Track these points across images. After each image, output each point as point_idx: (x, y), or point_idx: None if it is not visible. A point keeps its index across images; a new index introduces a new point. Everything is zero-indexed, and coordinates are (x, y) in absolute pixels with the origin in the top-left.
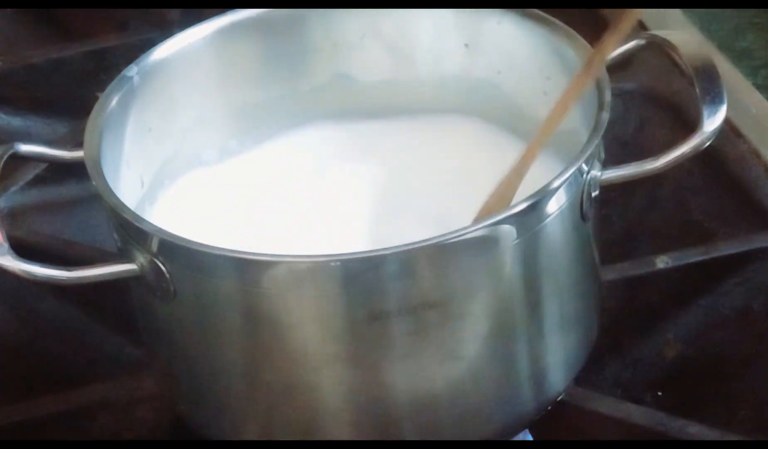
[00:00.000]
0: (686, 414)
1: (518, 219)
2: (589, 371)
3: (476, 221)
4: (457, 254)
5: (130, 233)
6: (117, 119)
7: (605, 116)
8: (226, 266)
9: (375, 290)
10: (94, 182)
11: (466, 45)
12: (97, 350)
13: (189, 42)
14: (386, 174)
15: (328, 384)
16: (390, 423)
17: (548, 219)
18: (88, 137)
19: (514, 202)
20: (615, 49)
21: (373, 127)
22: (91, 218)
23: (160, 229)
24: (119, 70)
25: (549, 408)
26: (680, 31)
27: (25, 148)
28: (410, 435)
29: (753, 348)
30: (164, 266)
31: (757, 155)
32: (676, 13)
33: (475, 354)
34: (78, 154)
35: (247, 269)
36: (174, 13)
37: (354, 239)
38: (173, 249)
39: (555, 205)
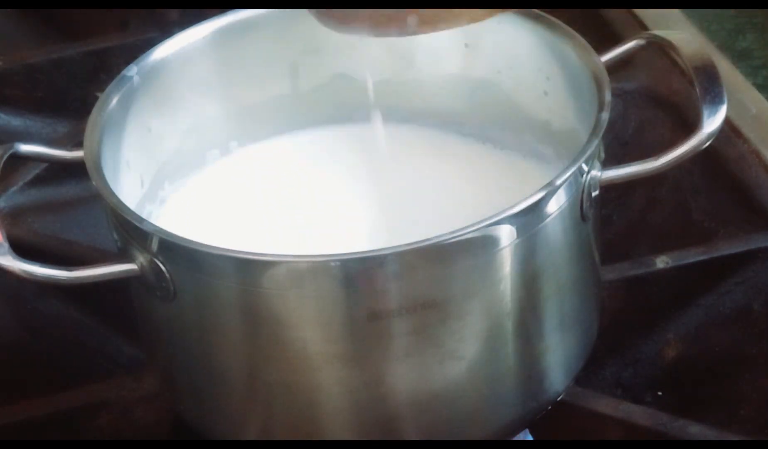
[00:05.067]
0: (686, 414)
1: (518, 219)
2: (589, 371)
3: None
4: (456, 254)
5: (130, 233)
6: (117, 119)
7: (605, 116)
8: (226, 266)
9: (375, 290)
10: (94, 182)
11: (466, 45)
12: (97, 350)
13: (189, 42)
14: (386, 175)
15: (328, 384)
16: (390, 423)
17: (548, 219)
18: (88, 137)
19: (513, 202)
20: None
21: (374, 127)
22: (91, 218)
23: (160, 229)
24: (119, 70)
25: (549, 408)
26: (680, 31)
27: (25, 148)
28: (410, 435)
29: (753, 348)
30: (164, 266)
31: (757, 155)
32: (676, 13)
33: (475, 354)
34: (78, 154)
35: (247, 269)
36: (174, 13)
37: (354, 238)
38: (173, 249)
39: (555, 205)
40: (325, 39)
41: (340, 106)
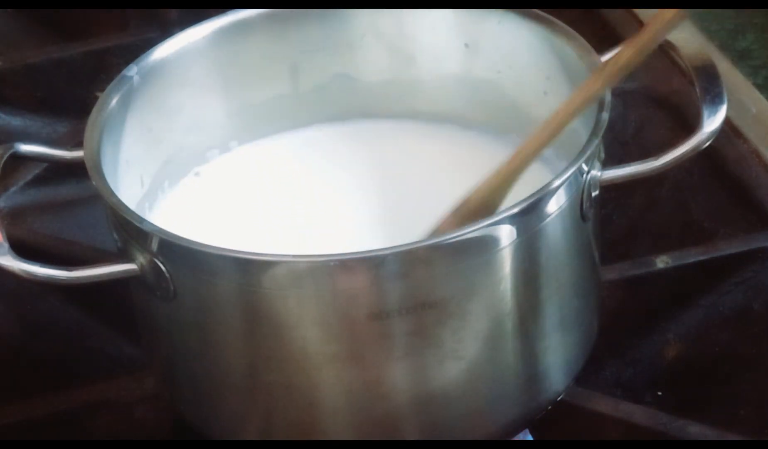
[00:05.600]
0: (686, 414)
1: (518, 219)
2: (589, 371)
3: (440, 229)
4: (457, 254)
5: (130, 233)
6: (117, 119)
7: (605, 116)
8: (226, 266)
9: (375, 290)
10: (94, 182)
11: (466, 45)
12: (97, 350)
13: (189, 42)
14: (386, 176)
15: (328, 384)
16: (390, 423)
17: (548, 219)
18: (88, 137)
19: (513, 202)
20: (631, 62)
21: (374, 128)
22: (91, 218)
23: (160, 229)
24: (119, 70)
25: (549, 408)
26: (680, 31)
27: (25, 148)
28: (410, 435)
29: (753, 348)
30: (164, 266)
31: (757, 155)
32: None
33: (475, 354)
34: (78, 154)
35: (247, 269)
36: (174, 13)
37: (354, 238)
38: (173, 249)
39: (555, 205)
40: (325, 39)
41: (340, 106)
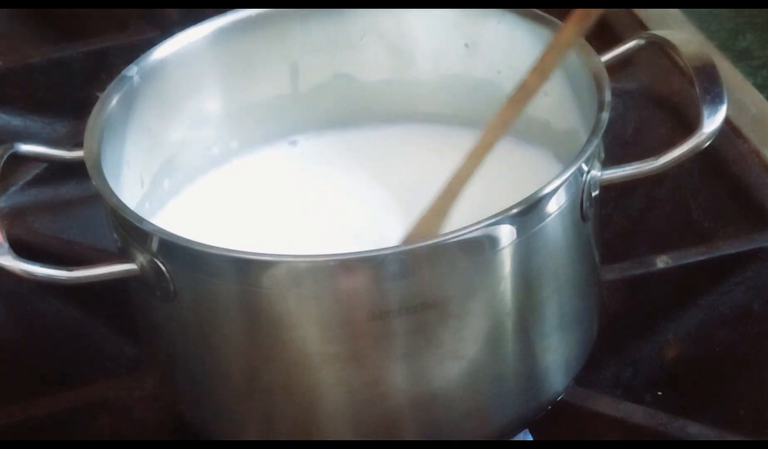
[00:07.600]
0: (686, 414)
1: (518, 219)
2: (589, 371)
3: (409, 239)
4: (457, 254)
5: (130, 233)
6: (117, 119)
7: (605, 116)
8: (226, 266)
9: (375, 290)
10: (94, 182)
11: (466, 45)
12: (97, 350)
13: (189, 42)
14: (385, 175)
15: (328, 384)
16: (390, 423)
17: (548, 219)
18: (88, 137)
19: (513, 202)
20: (571, 43)
21: (374, 128)
22: (91, 218)
23: (160, 229)
24: (119, 70)
25: (549, 408)
26: (680, 31)
27: (25, 148)
28: (410, 435)
29: (753, 348)
30: (164, 266)
31: (757, 155)
32: (676, 13)
33: (475, 354)
34: (78, 154)
35: (247, 269)
36: (174, 13)
37: (354, 238)
38: (173, 249)
39: (555, 205)
40: (325, 39)
41: (340, 107)
